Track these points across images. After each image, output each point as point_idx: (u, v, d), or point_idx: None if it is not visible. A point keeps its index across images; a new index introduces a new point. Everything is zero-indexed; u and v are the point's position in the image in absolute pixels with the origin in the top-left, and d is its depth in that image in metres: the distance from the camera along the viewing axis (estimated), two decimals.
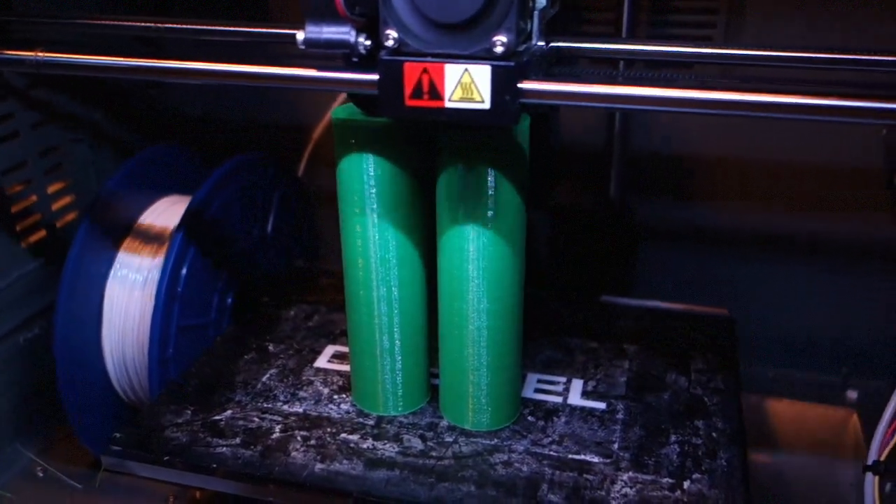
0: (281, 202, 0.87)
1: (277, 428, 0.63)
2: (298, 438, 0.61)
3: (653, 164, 0.91)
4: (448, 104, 0.49)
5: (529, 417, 0.63)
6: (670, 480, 0.57)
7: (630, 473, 0.58)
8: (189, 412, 0.65)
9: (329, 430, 0.62)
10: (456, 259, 0.57)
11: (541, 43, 0.54)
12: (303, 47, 0.51)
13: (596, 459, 0.59)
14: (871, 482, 0.64)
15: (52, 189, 0.82)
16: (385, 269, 0.60)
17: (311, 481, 0.58)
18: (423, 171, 0.59)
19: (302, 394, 0.67)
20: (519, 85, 0.49)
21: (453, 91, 0.49)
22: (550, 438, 0.61)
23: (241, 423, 0.63)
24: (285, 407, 0.65)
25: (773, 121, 0.81)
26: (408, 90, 0.50)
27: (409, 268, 0.61)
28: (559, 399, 0.65)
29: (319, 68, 0.53)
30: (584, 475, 0.58)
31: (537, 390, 0.67)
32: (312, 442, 0.61)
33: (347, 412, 0.65)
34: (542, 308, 0.78)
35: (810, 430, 0.86)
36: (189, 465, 0.60)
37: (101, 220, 0.77)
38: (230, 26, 0.69)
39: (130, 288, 0.77)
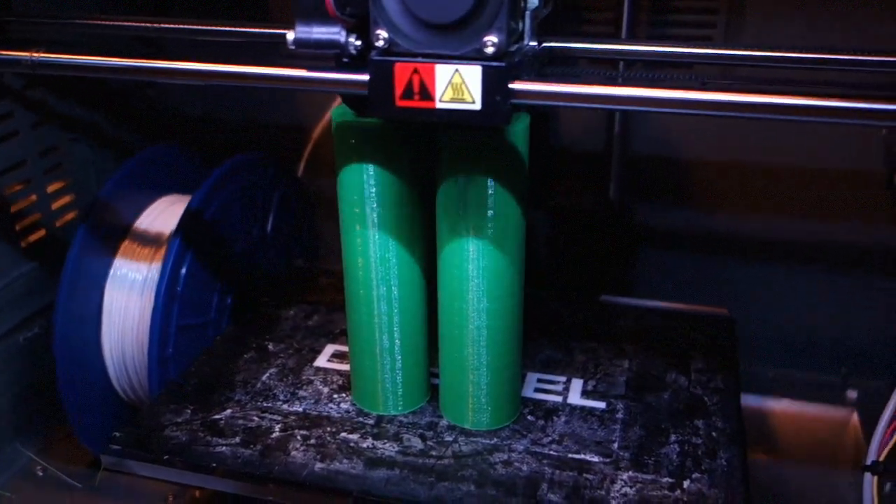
0: (281, 202, 0.87)
1: (277, 427, 0.63)
2: (298, 438, 0.61)
3: (653, 163, 0.91)
4: (439, 105, 0.49)
5: (529, 417, 0.63)
6: (670, 480, 0.57)
7: (630, 473, 0.58)
8: (189, 411, 0.65)
9: (329, 429, 0.62)
10: (456, 258, 0.57)
11: (533, 43, 0.54)
12: (293, 47, 0.51)
13: (596, 459, 0.59)
14: (870, 482, 0.64)
15: (51, 188, 0.82)
16: (385, 269, 0.60)
17: (310, 480, 0.58)
18: (423, 170, 0.59)
19: (302, 393, 0.67)
20: (510, 85, 0.48)
21: (444, 91, 0.49)
22: (550, 438, 0.61)
23: (240, 422, 0.63)
24: (285, 406, 0.65)
25: (773, 121, 0.81)
26: (398, 91, 0.49)
27: (409, 267, 0.61)
28: (559, 398, 0.66)
29: (309, 69, 0.53)
30: (584, 474, 0.58)
31: (537, 390, 0.67)
32: (312, 441, 0.61)
33: (347, 411, 0.65)
34: (542, 308, 0.78)
35: (810, 429, 0.86)
36: (189, 464, 0.60)
37: (101, 219, 0.77)
38: (229, 27, 0.69)
39: (130, 287, 0.77)
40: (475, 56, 0.48)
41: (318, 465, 0.59)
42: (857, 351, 0.90)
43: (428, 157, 0.58)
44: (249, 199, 0.83)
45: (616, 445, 0.60)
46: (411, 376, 0.64)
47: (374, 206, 0.58)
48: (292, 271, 0.88)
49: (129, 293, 0.77)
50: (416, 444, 0.61)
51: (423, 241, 0.61)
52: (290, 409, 0.65)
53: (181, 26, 0.71)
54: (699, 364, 0.70)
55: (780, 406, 0.88)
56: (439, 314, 0.61)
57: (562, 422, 0.63)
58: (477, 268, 0.57)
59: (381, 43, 0.49)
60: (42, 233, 0.81)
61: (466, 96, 0.48)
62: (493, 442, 0.61)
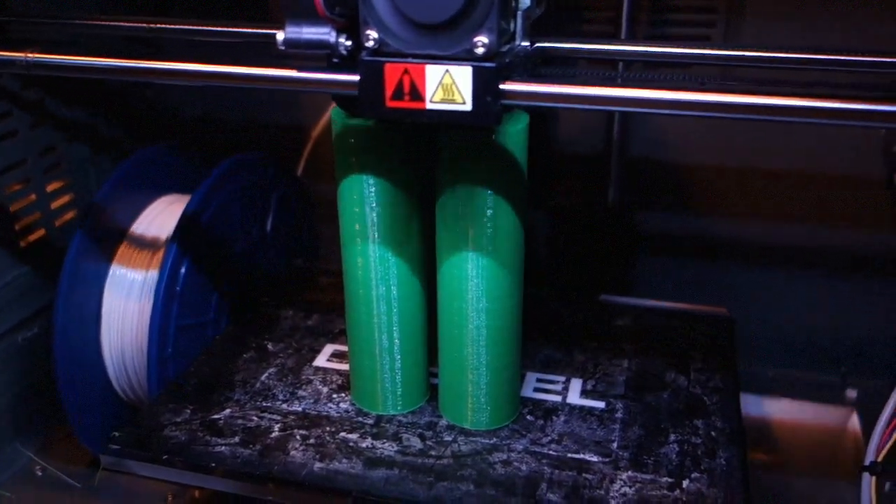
0: (280, 202, 0.87)
1: (276, 427, 0.63)
2: (297, 437, 0.62)
3: (652, 164, 0.91)
4: (429, 105, 0.49)
5: (529, 416, 0.63)
6: (669, 479, 0.57)
7: (629, 472, 0.58)
8: (188, 411, 0.65)
9: (328, 429, 0.62)
10: (455, 258, 0.57)
11: (525, 43, 0.54)
12: (282, 48, 0.51)
13: (595, 458, 0.59)
14: (869, 482, 0.64)
15: (50, 188, 0.82)
16: (384, 268, 0.60)
17: (310, 480, 0.58)
18: (423, 170, 0.59)
19: (301, 393, 0.67)
20: (501, 86, 0.48)
21: (434, 92, 0.49)
22: (549, 437, 0.61)
23: (240, 422, 0.63)
24: (284, 406, 0.65)
25: (772, 122, 0.81)
26: (388, 91, 0.49)
27: (408, 267, 0.61)
28: (558, 398, 0.66)
29: (300, 69, 0.53)
30: (584, 474, 0.58)
31: (536, 389, 0.67)
32: (311, 441, 0.61)
33: (346, 411, 0.65)
34: (542, 308, 0.78)
35: (810, 429, 0.86)
36: (188, 464, 0.60)
37: (100, 219, 0.77)
38: (229, 27, 0.69)
39: (129, 287, 0.77)
40: (465, 56, 0.48)
41: (318, 465, 0.59)
42: (856, 350, 0.90)
43: (427, 157, 0.58)
44: (249, 199, 0.83)
45: (615, 445, 0.60)
46: (410, 376, 0.64)
47: (374, 205, 0.58)
48: (292, 271, 0.88)
49: (128, 293, 0.77)
50: (416, 443, 0.61)
51: (422, 240, 0.61)
52: (290, 408, 0.65)
53: (180, 27, 0.71)
54: (699, 364, 0.70)
55: (780, 406, 0.88)
56: (438, 314, 0.61)
57: (561, 421, 0.63)
58: (476, 267, 0.57)
59: (370, 43, 0.49)
60: (41, 232, 0.81)
61: (457, 97, 0.48)
62: (492, 442, 0.61)
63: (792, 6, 0.81)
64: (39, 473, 0.80)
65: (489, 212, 0.55)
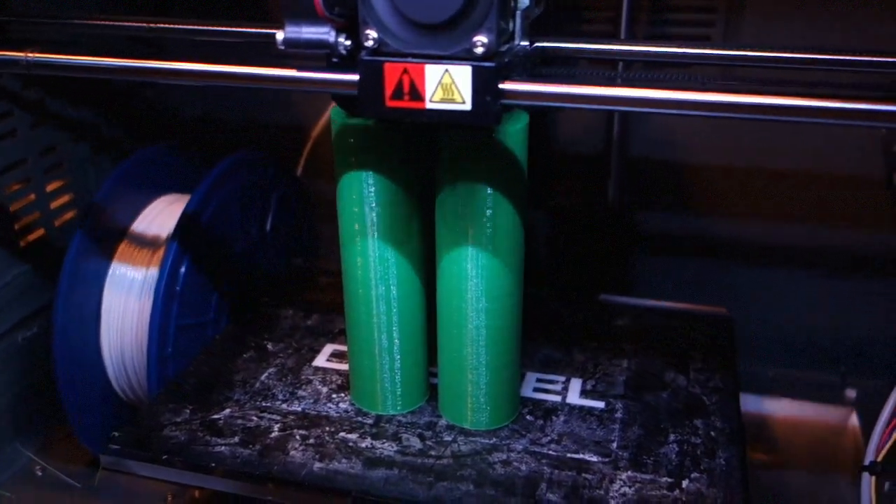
0: (280, 201, 0.87)
1: (276, 427, 0.63)
2: (297, 437, 0.61)
3: (652, 163, 0.91)
4: (429, 105, 0.49)
5: (528, 416, 0.63)
6: (669, 479, 0.57)
7: (629, 472, 0.58)
8: (188, 411, 0.65)
9: (328, 428, 0.62)
10: (455, 258, 0.57)
11: (524, 43, 0.54)
12: (282, 47, 0.51)
13: (595, 458, 0.59)
14: (869, 482, 0.64)
15: (50, 188, 0.82)
16: (384, 268, 0.60)
17: (309, 480, 0.58)
18: (423, 169, 0.59)
19: (301, 393, 0.67)
20: (500, 86, 0.48)
21: (434, 92, 0.49)
22: (549, 437, 0.61)
23: (239, 421, 0.63)
24: (284, 406, 0.65)
25: (772, 122, 0.81)
26: (388, 91, 0.49)
27: (408, 266, 0.61)
28: (558, 398, 0.66)
29: (299, 69, 0.53)
30: (583, 474, 0.58)
31: (536, 389, 0.67)
32: (311, 441, 0.61)
33: (346, 411, 0.65)
34: (542, 308, 0.78)
35: (809, 429, 0.86)
36: (188, 464, 0.60)
37: (100, 218, 0.77)
38: (228, 27, 0.69)
39: (129, 287, 0.77)
40: (465, 56, 0.48)
41: (317, 465, 0.59)
42: (856, 350, 0.90)
43: (427, 156, 0.58)
44: (248, 199, 0.83)
45: (615, 445, 0.60)
46: (410, 376, 0.64)
47: (373, 205, 0.58)
48: (291, 271, 0.88)
49: (128, 293, 0.77)
50: (415, 443, 0.61)
51: (422, 240, 0.61)
52: (289, 408, 0.65)
53: (180, 26, 0.71)
54: (698, 363, 0.70)
55: (780, 405, 0.88)
56: (438, 314, 0.61)
57: (561, 421, 0.63)
58: (476, 267, 0.57)
59: (370, 43, 0.49)
60: (41, 232, 0.81)
61: (456, 96, 0.48)
62: (491, 442, 0.61)
63: (792, 6, 0.81)
64: (39, 473, 0.80)
65: (489, 211, 0.55)
